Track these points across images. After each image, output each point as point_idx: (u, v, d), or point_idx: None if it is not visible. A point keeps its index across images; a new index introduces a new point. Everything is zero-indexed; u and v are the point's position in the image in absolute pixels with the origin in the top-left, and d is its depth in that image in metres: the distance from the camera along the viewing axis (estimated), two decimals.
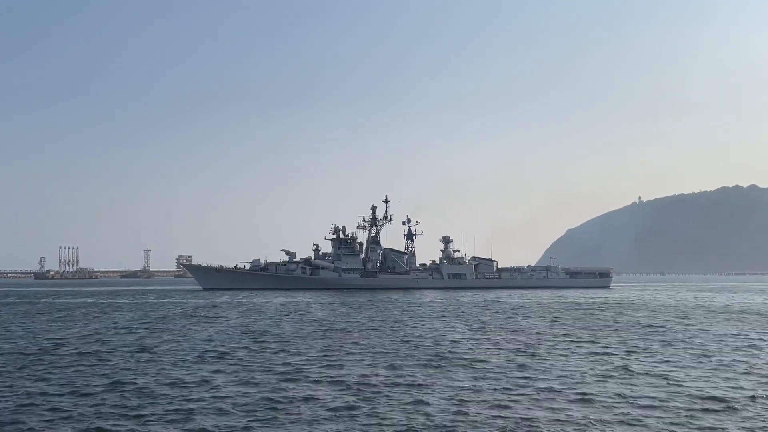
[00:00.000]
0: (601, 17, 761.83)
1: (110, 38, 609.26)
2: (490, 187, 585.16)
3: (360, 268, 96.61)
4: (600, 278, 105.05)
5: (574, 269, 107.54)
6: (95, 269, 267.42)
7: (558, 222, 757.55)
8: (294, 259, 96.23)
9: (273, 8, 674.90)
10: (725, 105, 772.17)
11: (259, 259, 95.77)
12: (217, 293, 79.61)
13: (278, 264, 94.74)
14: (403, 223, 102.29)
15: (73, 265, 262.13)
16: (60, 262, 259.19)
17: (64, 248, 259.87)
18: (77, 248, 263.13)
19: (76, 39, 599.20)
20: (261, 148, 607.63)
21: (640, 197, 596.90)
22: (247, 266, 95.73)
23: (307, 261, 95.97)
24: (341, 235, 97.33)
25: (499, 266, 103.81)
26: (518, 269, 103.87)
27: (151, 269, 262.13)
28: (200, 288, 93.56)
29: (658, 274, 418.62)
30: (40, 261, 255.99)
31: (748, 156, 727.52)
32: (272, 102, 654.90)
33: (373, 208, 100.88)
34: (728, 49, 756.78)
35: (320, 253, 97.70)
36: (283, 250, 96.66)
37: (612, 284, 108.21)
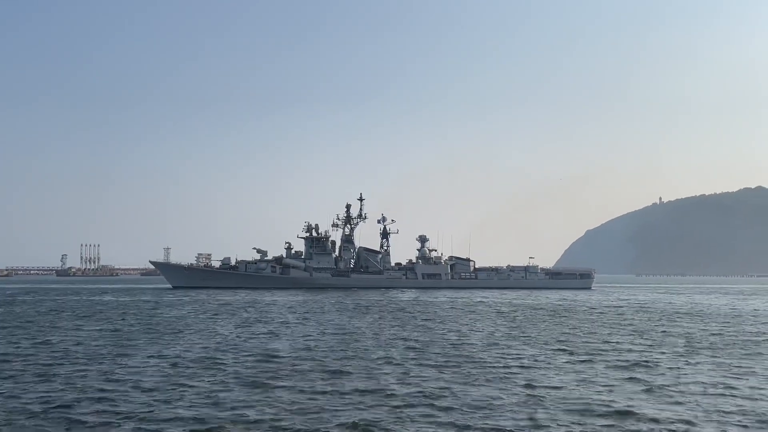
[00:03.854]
0: (624, 17, 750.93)
1: (122, 40, 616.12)
2: (476, 187, 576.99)
3: (332, 268, 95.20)
4: (581, 279, 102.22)
5: (554, 269, 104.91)
6: (116, 267, 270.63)
7: (577, 223, 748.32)
8: (266, 258, 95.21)
9: (253, 7, 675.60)
10: (748, 105, 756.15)
11: (229, 258, 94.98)
12: (189, 292, 78.87)
13: (248, 262, 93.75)
14: (378, 221, 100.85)
15: (94, 262, 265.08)
16: (81, 259, 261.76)
17: (86, 246, 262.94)
18: (98, 246, 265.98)
19: (92, 39, 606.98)
20: (246, 146, 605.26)
21: (660, 198, 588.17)
22: (218, 264, 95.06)
23: (278, 260, 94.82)
24: (314, 234, 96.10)
25: (477, 266, 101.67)
26: (496, 269, 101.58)
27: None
28: (170, 286, 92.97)
29: (679, 275, 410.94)
30: (62, 258, 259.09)
31: None
32: (248, 99, 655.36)
33: (348, 206, 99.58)
34: (751, 49, 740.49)
35: (293, 251, 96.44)
36: (254, 248, 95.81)
37: (594, 285, 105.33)
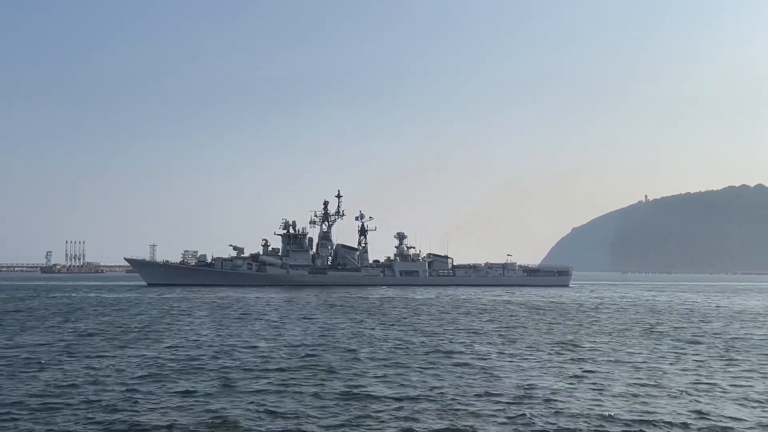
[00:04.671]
0: (608, 16, 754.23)
1: (107, 35, 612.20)
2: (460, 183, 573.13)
3: (309, 265, 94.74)
4: (559, 276, 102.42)
5: (532, 267, 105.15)
6: (101, 264, 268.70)
7: (563, 221, 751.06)
8: (242, 255, 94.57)
9: (230, 7, 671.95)
10: (733, 104, 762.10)
11: (205, 255, 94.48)
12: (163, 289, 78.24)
13: (224, 260, 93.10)
14: (356, 218, 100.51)
15: (79, 259, 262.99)
16: (66, 256, 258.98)
17: (71, 242, 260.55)
18: (83, 242, 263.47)
19: (78, 36, 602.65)
20: (228, 143, 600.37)
21: (646, 196, 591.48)
22: (193, 262, 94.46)
23: (254, 257, 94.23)
24: (291, 231, 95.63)
25: (455, 263, 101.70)
26: (474, 267, 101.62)
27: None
28: (145, 284, 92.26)
29: (664, 273, 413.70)
30: (47, 255, 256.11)
31: (755, 155, 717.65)
32: (228, 98, 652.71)
33: (325, 203, 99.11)
34: (736, 48, 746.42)
35: (269, 248, 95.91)
36: (230, 245, 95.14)
37: (572, 283, 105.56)
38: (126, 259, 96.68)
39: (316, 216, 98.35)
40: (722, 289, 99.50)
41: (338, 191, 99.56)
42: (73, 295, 64.63)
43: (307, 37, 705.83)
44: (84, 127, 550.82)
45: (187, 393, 15.84)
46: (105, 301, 53.88)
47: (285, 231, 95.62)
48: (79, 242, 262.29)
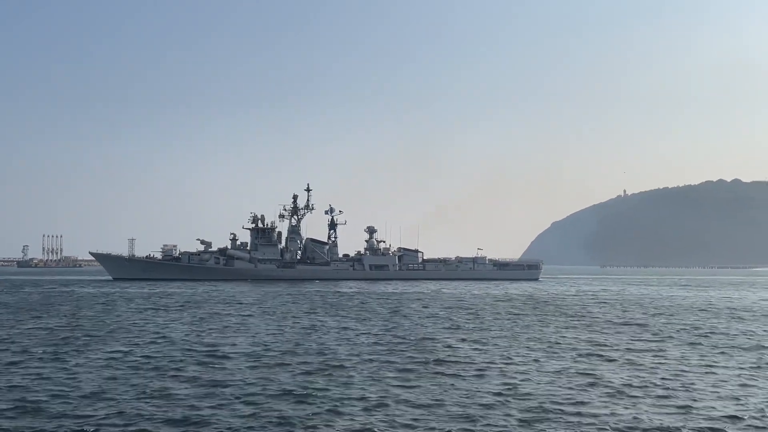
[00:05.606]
0: (587, 12, 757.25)
1: (89, 32, 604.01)
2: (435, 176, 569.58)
3: (277, 259, 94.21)
4: (528, 270, 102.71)
5: (502, 261, 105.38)
6: (79, 258, 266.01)
7: (543, 215, 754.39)
8: (210, 249, 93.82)
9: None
10: (711, 100, 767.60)
11: (171, 248, 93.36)
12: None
13: (191, 254, 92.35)
14: (326, 212, 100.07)
15: (56, 253, 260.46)
16: (44, 250, 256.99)
17: (48, 236, 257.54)
18: (61, 236, 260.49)
19: (56, 31, 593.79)
20: (201, 137, 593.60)
21: (625, 190, 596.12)
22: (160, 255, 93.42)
23: (222, 251, 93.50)
24: (260, 225, 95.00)
25: (425, 257, 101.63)
26: (444, 260, 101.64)
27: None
28: (110, 278, 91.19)
29: (642, 267, 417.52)
30: (24, 249, 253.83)
31: (732, 151, 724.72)
32: (201, 91, 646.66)
33: (295, 197, 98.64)
34: (717, 46, 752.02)
35: (238, 242, 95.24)
36: (198, 239, 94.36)
37: (541, 276, 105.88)
38: (91, 253, 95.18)
39: (285, 210, 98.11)
40: (704, 282, 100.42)
41: (308, 185, 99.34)
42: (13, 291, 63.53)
43: (279, 31, 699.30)
44: (61, 121, 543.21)
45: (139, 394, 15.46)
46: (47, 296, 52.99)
47: (253, 225, 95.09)
48: (57, 236, 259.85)
